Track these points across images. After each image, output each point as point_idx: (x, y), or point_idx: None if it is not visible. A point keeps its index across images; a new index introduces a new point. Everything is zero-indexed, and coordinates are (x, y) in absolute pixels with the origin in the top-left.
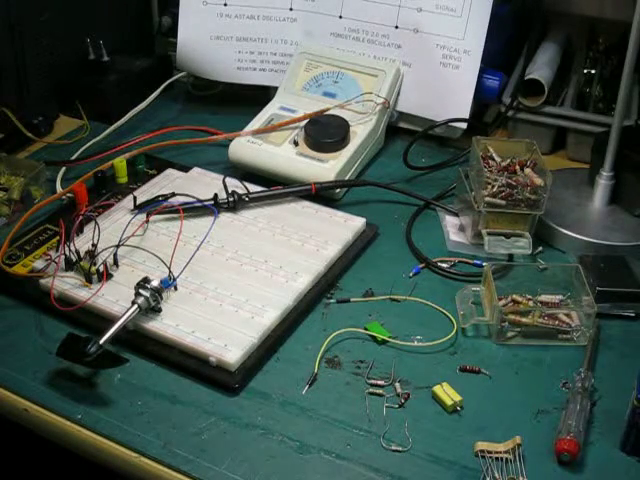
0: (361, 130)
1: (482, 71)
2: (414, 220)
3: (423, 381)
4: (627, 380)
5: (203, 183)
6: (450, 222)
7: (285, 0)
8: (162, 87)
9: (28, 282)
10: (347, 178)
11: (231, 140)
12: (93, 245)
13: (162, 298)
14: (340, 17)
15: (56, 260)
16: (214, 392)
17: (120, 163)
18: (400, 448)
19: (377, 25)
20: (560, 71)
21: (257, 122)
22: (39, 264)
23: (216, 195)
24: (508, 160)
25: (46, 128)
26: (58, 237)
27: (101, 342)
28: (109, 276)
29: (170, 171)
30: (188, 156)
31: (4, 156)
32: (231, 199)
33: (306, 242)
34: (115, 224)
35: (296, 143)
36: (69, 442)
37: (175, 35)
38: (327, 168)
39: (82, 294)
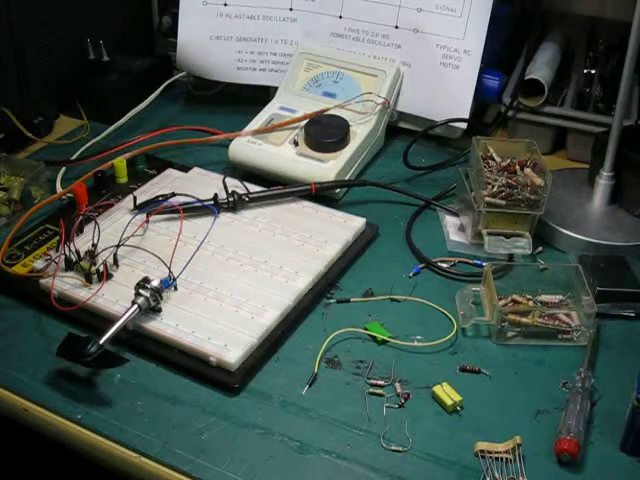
0: (361, 130)
1: (482, 71)
2: (414, 220)
3: (423, 381)
4: (627, 380)
5: (203, 183)
6: (450, 222)
7: (285, 0)
8: (162, 87)
9: (28, 282)
10: (347, 178)
11: (231, 140)
12: (93, 245)
13: (162, 298)
14: (340, 17)
15: (56, 260)
16: (214, 392)
17: (120, 163)
18: (400, 448)
19: (377, 25)
20: (560, 71)
21: (257, 122)
22: (39, 264)
23: (216, 195)
24: (508, 160)
25: (46, 128)
26: (58, 237)
27: (101, 342)
28: (109, 276)
29: (170, 171)
30: (188, 156)
31: (4, 156)
32: (231, 199)
33: (306, 242)
34: (115, 224)
35: (296, 143)
36: (69, 442)
37: (175, 35)
38: (327, 168)
39: (82, 294)
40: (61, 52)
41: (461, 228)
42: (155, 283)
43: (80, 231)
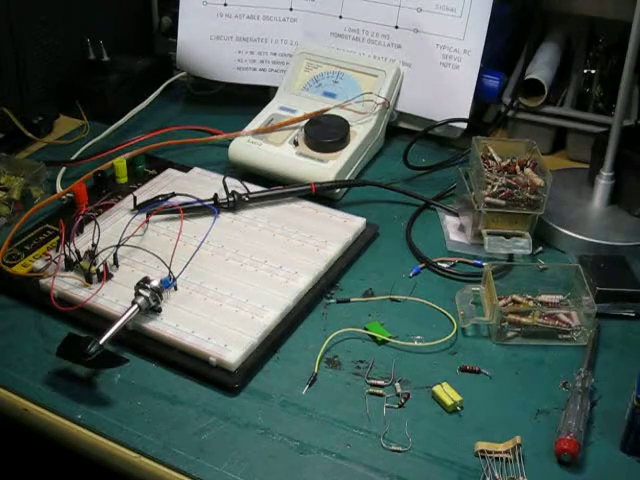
0: (361, 130)
1: (482, 71)
2: (414, 220)
3: (423, 381)
4: (627, 380)
5: (203, 183)
6: (450, 222)
7: (285, 0)
8: (162, 87)
9: (28, 282)
10: (347, 178)
11: (231, 140)
12: (93, 245)
13: (162, 298)
14: (340, 17)
15: (56, 260)
16: (214, 392)
17: (120, 163)
18: (400, 448)
19: (377, 25)
20: (560, 71)
21: (257, 122)
22: (39, 264)
23: (216, 195)
24: (508, 160)
25: (46, 128)
26: (58, 237)
27: (101, 342)
28: (109, 276)
29: (170, 171)
30: (188, 156)
31: (4, 156)
32: (231, 199)
33: (306, 242)
34: (115, 224)
35: (296, 143)
36: (69, 442)
37: (175, 35)
38: (327, 168)
39: (82, 294)
40: (61, 52)
41: (461, 228)
42: (155, 283)
43: (80, 231)
